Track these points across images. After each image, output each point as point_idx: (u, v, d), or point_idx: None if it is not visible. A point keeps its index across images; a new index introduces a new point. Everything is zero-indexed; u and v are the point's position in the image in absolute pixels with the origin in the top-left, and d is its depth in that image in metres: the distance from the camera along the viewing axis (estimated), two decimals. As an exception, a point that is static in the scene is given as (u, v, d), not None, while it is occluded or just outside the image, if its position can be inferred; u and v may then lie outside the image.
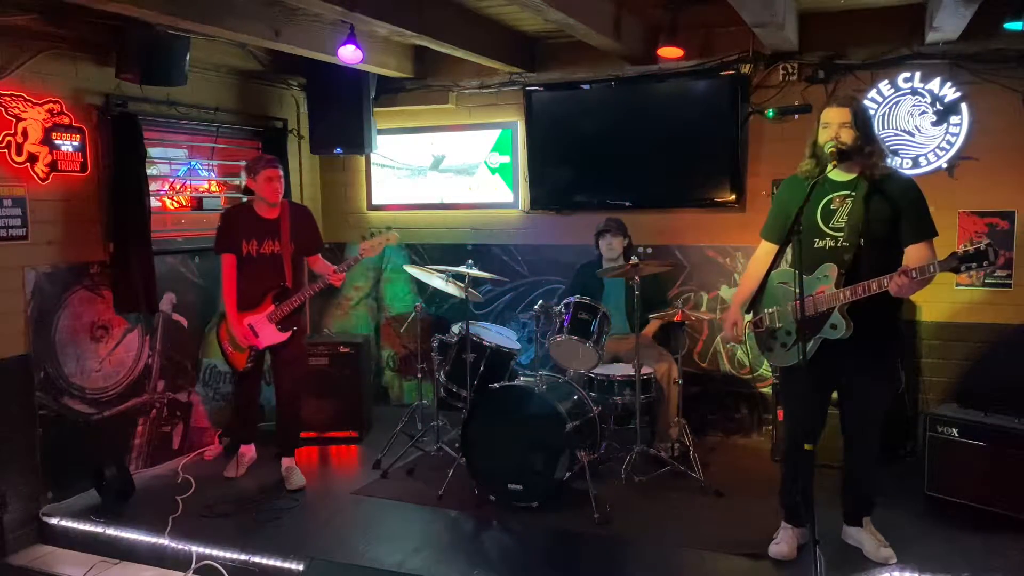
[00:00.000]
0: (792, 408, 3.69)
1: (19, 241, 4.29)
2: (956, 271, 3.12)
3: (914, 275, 3.12)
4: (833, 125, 3.37)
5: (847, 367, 3.46)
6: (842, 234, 3.39)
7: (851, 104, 3.42)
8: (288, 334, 4.66)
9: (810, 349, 3.35)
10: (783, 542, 3.65)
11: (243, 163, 4.87)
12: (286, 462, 4.80)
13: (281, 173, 4.67)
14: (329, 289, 6.47)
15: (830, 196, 3.44)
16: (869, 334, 3.34)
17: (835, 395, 3.65)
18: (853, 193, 3.40)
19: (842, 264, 3.35)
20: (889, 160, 3.50)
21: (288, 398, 4.82)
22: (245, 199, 4.87)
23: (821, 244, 3.42)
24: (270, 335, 4.66)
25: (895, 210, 3.35)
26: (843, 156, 3.33)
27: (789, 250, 3.43)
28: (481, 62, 5.40)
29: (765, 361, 5.26)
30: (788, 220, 3.41)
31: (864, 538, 3.63)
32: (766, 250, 3.70)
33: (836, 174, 3.44)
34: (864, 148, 3.37)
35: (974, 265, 3.06)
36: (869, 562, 3.55)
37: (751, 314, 3.62)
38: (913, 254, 3.33)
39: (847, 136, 3.35)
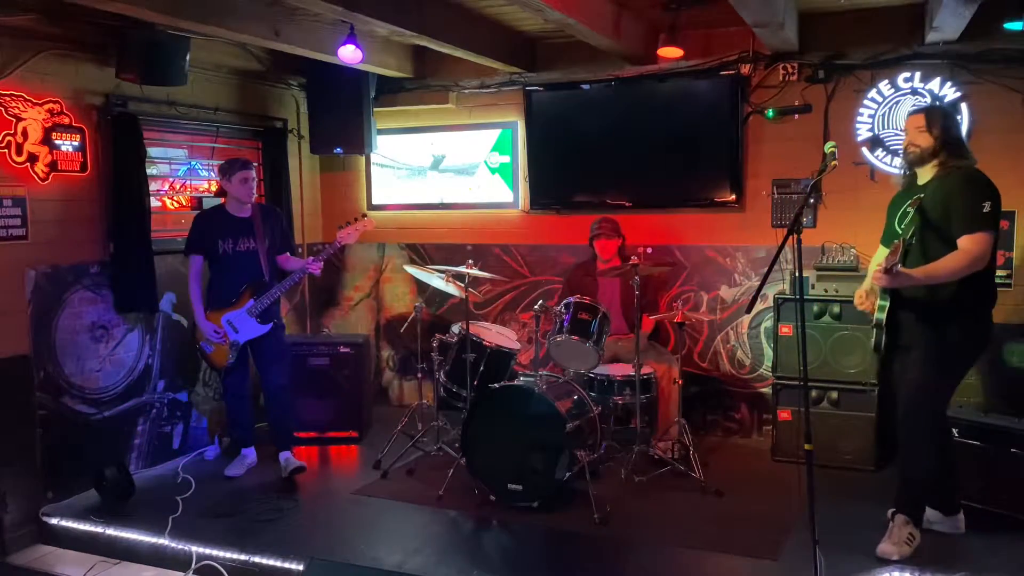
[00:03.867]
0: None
1: (19, 241, 4.29)
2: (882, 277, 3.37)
3: (883, 268, 3.34)
4: (910, 131, 3.58)
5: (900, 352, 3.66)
6: (901, 232, 3.55)
7: (925, 109, 3.64)
8: (268, 327, 4.74)
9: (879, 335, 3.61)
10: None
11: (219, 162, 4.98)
12: (284, 455, 4.85)
13: (254, 175, 4.80)
14: (327, 289, 6.48)
15: (911, 199, 3.58)
16: (915, 322, 3.53)
17: None
18: (923, 195, 3.53)
19: (889, 263, 3.40)
20: (969, 159, 3.59)
21: (277, 391, 4.87)
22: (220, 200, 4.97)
23: (894, 244, 3.56)
24: (250, 329, 4.73)
25: (946, 206, 3.45)
26: (917, 159, 3.54)
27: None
28: (481, 62, 5.40)
29: (765, 361, 5.29)
30: (891, 227, 3.71)
31: (889, 528, 3.64)
32: (881, 253, 3.84)
33: (919, 178, 3.62)
34: (940, 150, 3.51)
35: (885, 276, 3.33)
36: (869, 562, 3.55)
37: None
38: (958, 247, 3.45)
39: (923, 140, 3.52)
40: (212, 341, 4.73)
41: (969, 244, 3.38)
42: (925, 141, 3.52)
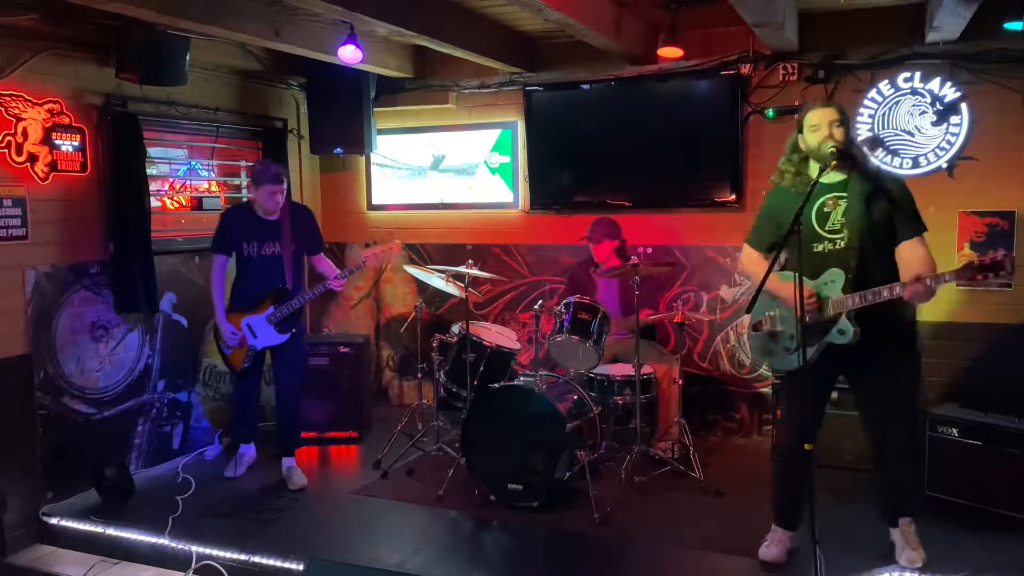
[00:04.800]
0: (792, 411, 3.65)
1: (19, 241, 4.29)
2: (971, 280, 3.05)
3: (928, 283, 3.08)
4: (823, 125, 3.36)
5: (856, 369, 3.45)
6: (841, 236, 3.35)
7: (835, 104, 3.45)
8: (286, 337, 4.67)
9: (813, 353, 3.33)
10: (773, 544, 3.64)
11: (242, 163, 4.87)
12: (287, 462, 4.80)
13: (284, 189, 4.64)
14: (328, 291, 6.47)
15: (823, 199, 3.41)
16: (881, 335, 3.30)
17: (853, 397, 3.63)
18: (845, 193, 3.38)
19: (848, 269, 3.31)
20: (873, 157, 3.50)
21: (288, 398, 4.82)
22: (247, 197, 4.88)
23: (820, 248, 3.39)
24: (268, 336, 4.66)
25: (891, 206, 3.33)
26: (843, 155, 3.30)
27: (783, 255, 3.47)
28: (481, 62, 5.40)
29: (765, 361, 5.28)
30: (777, 228, 3.44)
31: (896, 539, 3.57)
32: (753, 256, 3.67)
33: (824, 176, 3.35)
34: (851, 144, 3.39)
35: (991, 275, 2.99)
36: (869, 562, 3.55)
37: (749, 316, 3.59)
38: (908, 251, 3.30)
39: (840, 134, 3.34)
40: (229, 343, 4.69)
41: (923, 245, 3.31)
42: (841, 135, 3.35)
